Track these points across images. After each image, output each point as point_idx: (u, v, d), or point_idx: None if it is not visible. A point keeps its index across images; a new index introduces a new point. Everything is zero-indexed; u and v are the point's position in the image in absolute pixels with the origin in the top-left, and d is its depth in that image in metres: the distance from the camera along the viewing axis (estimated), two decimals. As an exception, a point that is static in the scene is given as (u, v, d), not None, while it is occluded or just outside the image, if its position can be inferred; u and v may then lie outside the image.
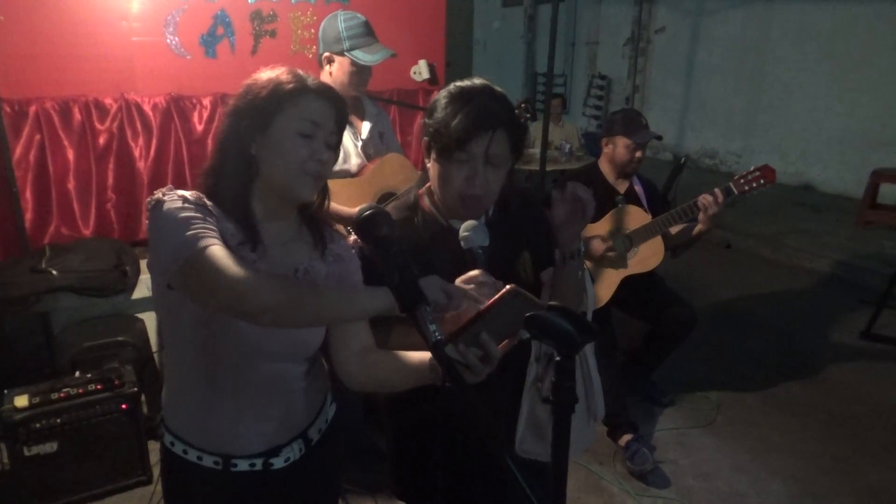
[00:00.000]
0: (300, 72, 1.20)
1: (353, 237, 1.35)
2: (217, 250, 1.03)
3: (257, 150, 1.16)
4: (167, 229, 1.06)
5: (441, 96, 1.35)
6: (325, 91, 1.19)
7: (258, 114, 1.15)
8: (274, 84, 1.16)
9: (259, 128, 1.15)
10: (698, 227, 2.78)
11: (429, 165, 1.39)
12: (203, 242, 1.03)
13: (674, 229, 2.90)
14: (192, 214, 1.08)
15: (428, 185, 1.45)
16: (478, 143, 1.28)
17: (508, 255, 1.44)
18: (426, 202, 1.44)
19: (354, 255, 1.33)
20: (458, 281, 1.22)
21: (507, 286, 1.00)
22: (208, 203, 1.15)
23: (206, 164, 1.22)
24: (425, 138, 1.37)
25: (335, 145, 1.22)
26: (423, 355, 1.19)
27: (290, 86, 1.16)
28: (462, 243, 1.32)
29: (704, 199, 2.67)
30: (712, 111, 9.12)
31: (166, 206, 1.09)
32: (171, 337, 1.25)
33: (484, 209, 1.40)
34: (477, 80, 1.36)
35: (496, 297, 1.00)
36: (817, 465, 2.87)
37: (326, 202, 1.29)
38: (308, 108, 1.16)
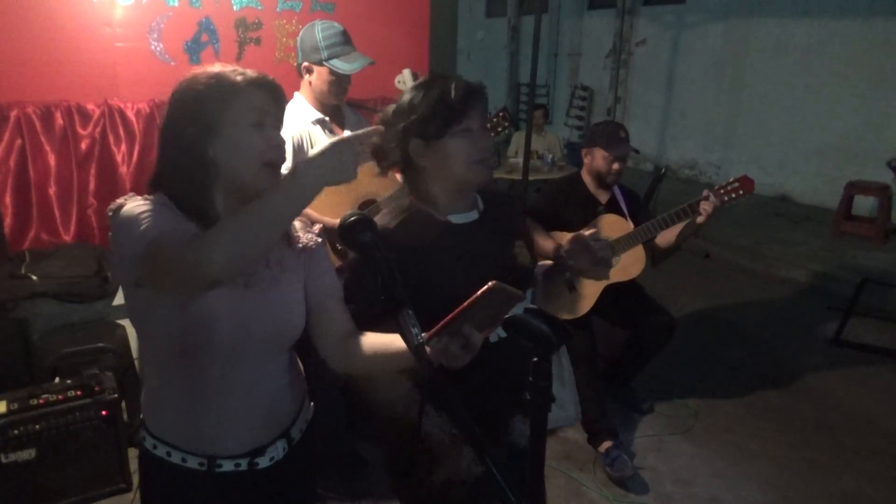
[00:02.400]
0: (234, 68, 1.21)
1: (316, 226, 1.40)
2: (170, 234, 1.07)
3: (214, 152, 1.17)
4: (127, 226, 1.11)
5: (411, 99, 1.42)
6: (261, 79, 1.21)
7: (205, 116, 1.16)
8: (213, 83, 1.18)
9: (210, 130, 1.16)
10: (691, 226, 2.80)
11: (423, 163, 1.43)
12: (156, 230, 1.08)
13: (666, 235, 2.92)
14: (149, 209, 1.12)
15: (412, 190, 1.50)
16: (474, 110, 1.40)
17: (504, 244, 1.51)
18: (421, 203, 1.49)
19: (321, 242, 1.37)
20: None
21: (490, 283, 1.03)
22: (170, 202, 1.17)
23: (153, 175, 1.23)
24: (413, 141, 1.41)
25: (280, 128, 1.25)
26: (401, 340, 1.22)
27: (229, 81, 1.18)
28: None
29: (702, 205, 2.68)
30: (692, 122, 9.25)
31: (125, 209, 1.13)
32: (149, 339, 1.25)
33: (491, 175, 1.48)
34: (429, 76, 1.49)
35: (478, 293, 1.04)
36: (793, 471, 2.92)
37: None
38: (251, 99, 1.18)
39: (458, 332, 1.07)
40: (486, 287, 1.03)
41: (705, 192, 2.71)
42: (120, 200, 1.16)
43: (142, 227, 1.09)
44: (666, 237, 2.93)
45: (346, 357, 1.33)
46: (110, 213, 1.15)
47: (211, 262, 0.98)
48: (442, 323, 1.05)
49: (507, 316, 0.94)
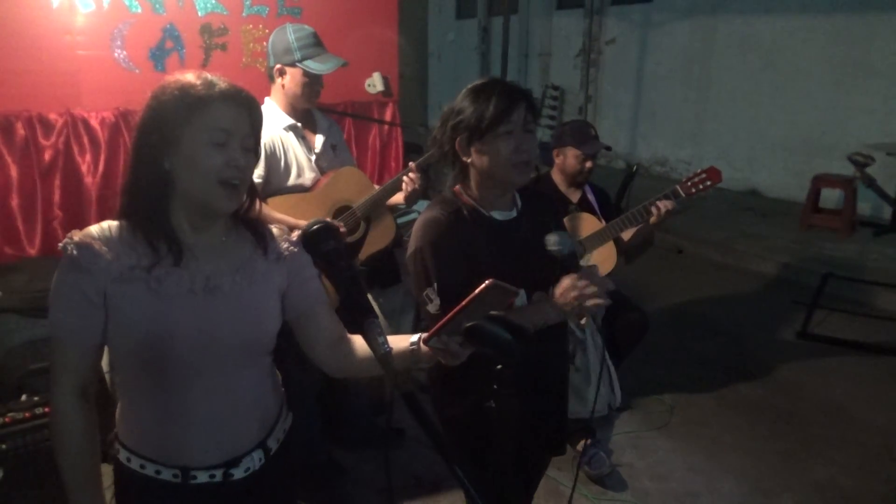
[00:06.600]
0: (208, 77, 1.17)
1: (294, 233, 1.37)
2: (56, 337, 1.20)
3: (171, 165, 1.15)
4: (50, 297, 1.18)
5: (461, 99, 1.58)
6: (233, 95, 1.16)
7: (166, 127, 1.13)
8: (179, 95, 1.14)
9: (169, 142, 1.13)
10: (644, 228, 2.82)
11: (469, 161, 1.57)
12: (52, 325, 1.18)
13: (626, 234, 2.95)
14: (62, 288, 1.16)
15: (458, 185, 1.63)
16: (516, 114, 1.52)
17: (539, 237, 1.53)
18: (466, 197, 1.61)
19: (300, 250, 1.32)
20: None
21: (486, 281, 1.05)
22: (101, 248, 1.14)
23: (122, 182, 1.21)
24: (459, 138, 1.56)
25: (254, 148, 1.20)
26: (399, 340, 1.20)
27: (196, 96, 1.13)
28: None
29: (656, 206, 2.72)
30: (662, 120, 9.35)
31: (57, 273, 1.17)
32: (117, 354, 1.24)
33: (530, 175, 1.59)
34: (484, 79, 1.63)
35: (476, 291, 1.05)
36: (766, 463, 2.97)
37: (257, 203, 1.28)
38: (217, 117, 1.14)
39: (458, 328, 1.08)
40: (483, 285, 1.05)
41: (672, 188, 2.73)
42: (66, 239, 1.14)
43: (49, 311, 1.18)
44: (629, 235, 2.96)
45: (340, 361, 1.33)
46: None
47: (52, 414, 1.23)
48: (441, 322, 1.07)
49: (468, 324, 0.94)
